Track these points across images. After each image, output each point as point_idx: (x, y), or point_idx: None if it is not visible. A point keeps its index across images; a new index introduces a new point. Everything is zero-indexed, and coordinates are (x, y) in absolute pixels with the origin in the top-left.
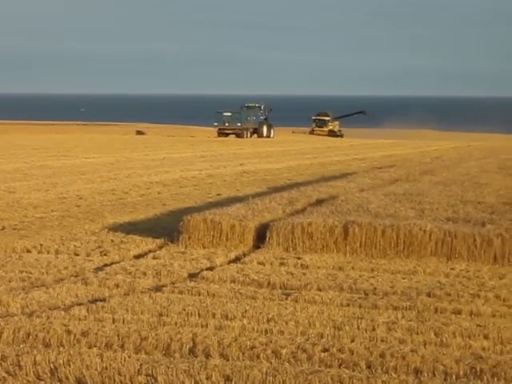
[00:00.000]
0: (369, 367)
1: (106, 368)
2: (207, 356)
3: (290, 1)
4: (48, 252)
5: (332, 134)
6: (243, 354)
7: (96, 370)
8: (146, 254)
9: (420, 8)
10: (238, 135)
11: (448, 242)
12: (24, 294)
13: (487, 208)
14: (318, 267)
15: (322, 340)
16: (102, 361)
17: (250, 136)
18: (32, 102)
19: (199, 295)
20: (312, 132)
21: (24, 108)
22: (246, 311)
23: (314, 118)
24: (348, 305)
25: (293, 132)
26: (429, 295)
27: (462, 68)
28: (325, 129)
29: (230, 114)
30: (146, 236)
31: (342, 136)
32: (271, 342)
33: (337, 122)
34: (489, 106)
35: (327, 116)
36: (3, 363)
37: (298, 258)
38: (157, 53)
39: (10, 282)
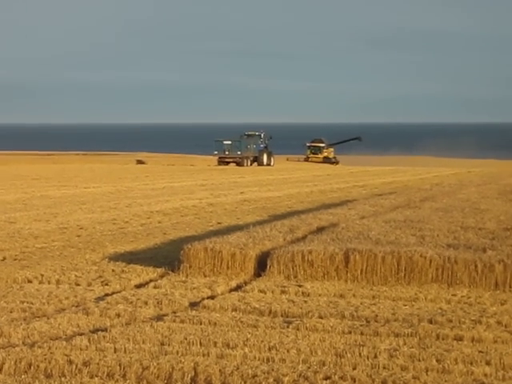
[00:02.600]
0: None
1: None
2: None
3: (287, 28)
4: (49, 282)
5: (327, 160)
6: (245, 382)
7: None
8: (147, 283)
9: (416, 35)
10: (239, 163)
11: (449, 268)
12: (25, 325)
13: (488, 234)
14: (320, 295)
15: (323, 368)
16: None
17: (251, 164)
18: (32, 132)
19: (200, 324)
20: (307, 159)
21: (24, 138)
22: (247, 339)
23: (308, 144)
24: (350, 332)
25: (287, 159)
26: (430, 322)
27: (459, 94)
28: (320, 155)
29: (230, 142)
30: (147, 265)
31: (337, 163)
32: (273, 370)
33: (332, 149)
34: (486, 131)
35: (322, 143)
36: None
37: (299, 286)
38: (156, 82)
39: (11, 312)
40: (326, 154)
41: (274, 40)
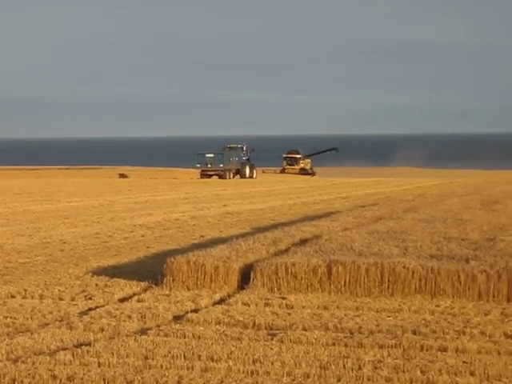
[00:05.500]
0: None
1: None
2: None
3: (277, 42)
4: (32, 297)
5: (303, 172)
6: None
7: None
8: (130, 297)
9: (404, 46)
10: (221, 176)
11: (432, 279)
12: (9, 340)
13: (471, 244)
14: (303, 307)
15: (308, 380)
16: None
17: (233, 177)
18: (17, 147)
19: (184, 337)
20: (283, 171)
21: (9, 153)
22: (231, 352)
23: (284, 156)
24: (334, 344)
25: (263, 172)
26: (414, 333)
27: (449, 104)
28: (296, 167)
29: (212, 155)
30: (131, 279)
31: (313, 174)
32: (257, 382)
33: (308, 160)
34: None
35: (298, 154)
36: None
37: (283, 298)
38: (142, 95)
39: None
40: (302, 166)
41: (262, 54)
